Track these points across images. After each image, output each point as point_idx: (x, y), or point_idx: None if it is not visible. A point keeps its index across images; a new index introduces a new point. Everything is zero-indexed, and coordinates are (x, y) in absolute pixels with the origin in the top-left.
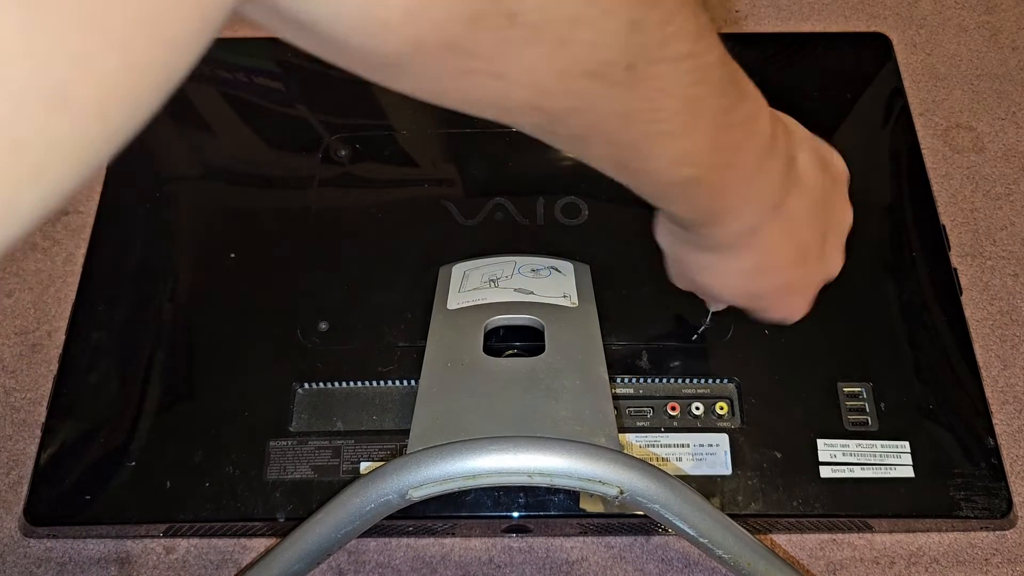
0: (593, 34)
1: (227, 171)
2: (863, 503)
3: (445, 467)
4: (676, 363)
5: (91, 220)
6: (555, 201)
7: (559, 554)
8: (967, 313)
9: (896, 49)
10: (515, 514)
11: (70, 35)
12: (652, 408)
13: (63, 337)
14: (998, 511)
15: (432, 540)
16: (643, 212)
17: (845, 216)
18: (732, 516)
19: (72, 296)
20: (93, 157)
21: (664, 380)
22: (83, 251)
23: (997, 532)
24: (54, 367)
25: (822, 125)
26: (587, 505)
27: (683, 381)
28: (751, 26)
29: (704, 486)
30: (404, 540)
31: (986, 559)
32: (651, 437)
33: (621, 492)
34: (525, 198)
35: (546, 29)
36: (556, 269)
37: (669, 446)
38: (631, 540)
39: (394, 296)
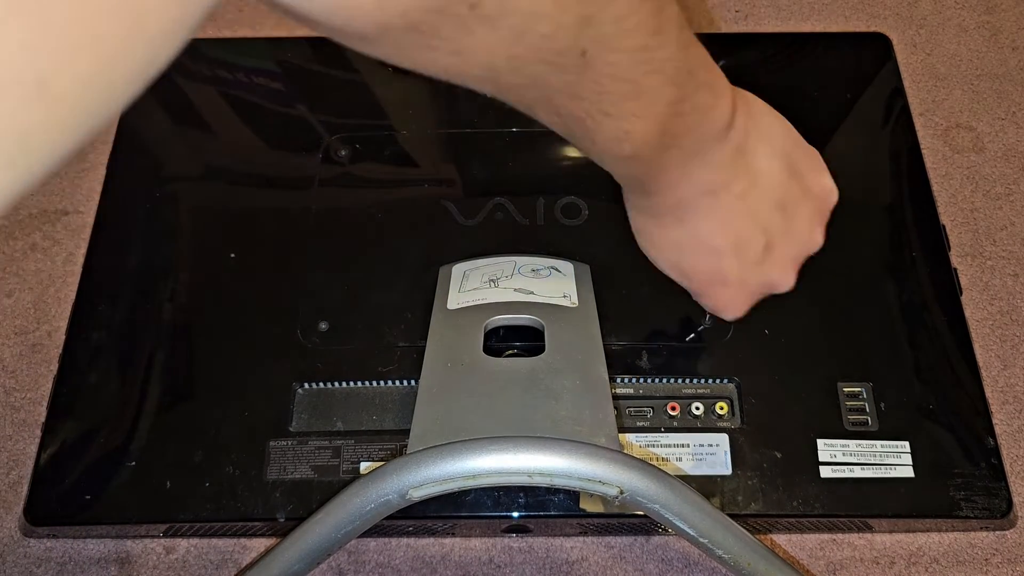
0: (549, 27)
1: (227, 171)
2: (863, 503)
3: (445, 467)
4: (676, 363)
5: (91, 220)
6: (555, 201)
7: (559, 554)
8: (967, 313)
9: (896, 49)
10: (515, 514)
11: (46, 26)
12: (652, 408)
13: (63, 337)
14: (998, 511)
15: (432, 540)
16: None
17: (809, 234)
18: (732, 516)
19: (72, 296)
20: (67, 145)
21: (664, 380)
22: (83, 251)
23: (997, 532)
24: (54, 367)
25: (822, 125)
26: (587, 505)
27: (683, 381)
28: (751, 26)
29: (704, 486)
30: (404, 540)
31: (986, 559)
32: (651, 437)
33: (621, 492)
34: (525, 198)
35: (504, 20)
36: (556, 269)
37: (669, 446)
38: (631, 540)
39: (394, 296)
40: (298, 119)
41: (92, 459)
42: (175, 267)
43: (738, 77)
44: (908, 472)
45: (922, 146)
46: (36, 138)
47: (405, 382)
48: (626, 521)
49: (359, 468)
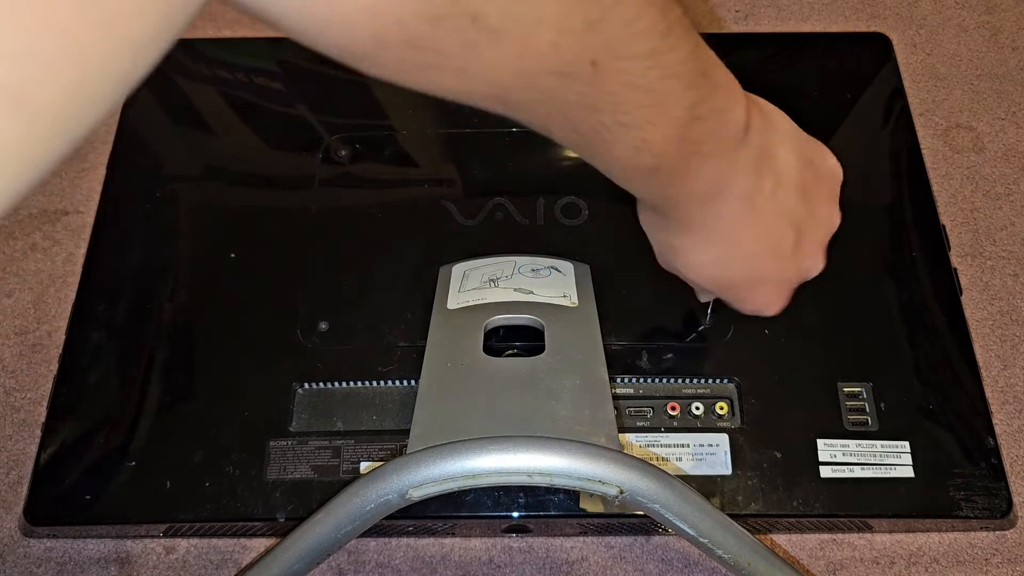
0: (555, 35)
1: (227, 171)
2: (863, 503)
3: (445, 467)
4: (676, 363)
5: (91, 220)
6: (555, 201)
7: (559, 554)
8: (967, 313)
9: (896, 49)
10: (515, 514)
11: (24, 38)
12: (652, 408)
13: (63, 337)
14: (998, 511)
15: (432, 540)
16: None
17: (829, 216)
18: (732, 516)
19: (72, 296)
20: (46, 159)
21: (664, 380)
22: (83, 251)
23: (997, 532)
24: (54, 367)
25: (822, 125)
26: (587, 505)
27: (683, 381)
28: (751, 26)
29: (704, 486)
30: (404, 540)
31: (986, 559)
32: (651, 437)
33: (621, 492)
34: (525, 198)
35: (509, 31)
36: (556, 269)
37: (669, 446)
38: (631, 540)
39: (394, 296)
40: (298, 119)
41: (92, 459)
42: (175, 267)
43: (738, 77)
44: (908, 472)
45: (922, 146)
46: (15, 153)
47: (405, 382)
48: (626, 521)
49: (359, 468)
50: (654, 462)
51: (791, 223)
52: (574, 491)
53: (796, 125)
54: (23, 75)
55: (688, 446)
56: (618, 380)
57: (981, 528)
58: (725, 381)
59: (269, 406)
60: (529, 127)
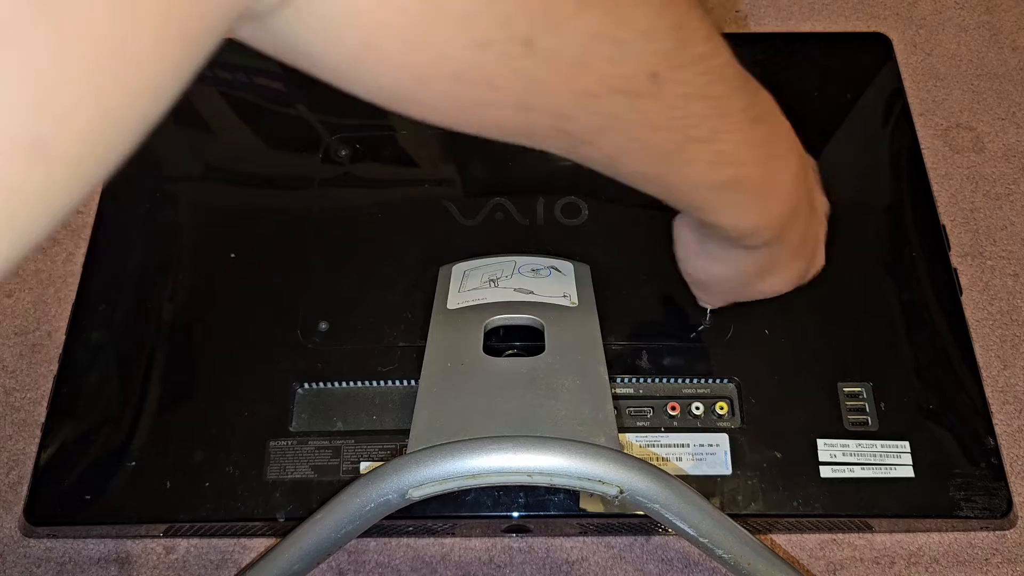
0: (611, 47)
1: (227, 171)
2: (863, 503)
3: (445, 467)
4: (676, 363)
5: (91, 220)
6: (555, 201)
7: (559, 554)
8: (967, 313)
9: (896, 49)
10: (515, 514)
11: (46, 87)
12: (652, 408)
13: (63, 337)
14: (998, 511)
15: (432, 540)
16: (643, 212)
17: (822, 207)
18: (732, 516)
19: (72, 296)
20: (67, 204)
21: (664, 380)
22: (83, 251)
23: (997, 532)
24: (54, 367)
25: (822, 125)
26: (587, 505)
27: (683, 381)
28: (751, 26)
29: (704, 486)
30: (404, 540)
31: (986, 559)
32: (651, 437)
33: (621, 492)
34: (525, 198)
35: (563, 51)
36: (556, 269)
37: (669, 446)
38: (631, 540)
39: (394, 296)
40: (298, 119)
41: (92, 459)
42: (175, 267)
43: None
44: (908, 472)
45: (922, 146)
46: (37, 199)
47: (405, 382)
48: (626, 521)
49: (359, 468)
50: (654, 462)
51: (815, 224)
52: (574, 491)
53: None
54: (44, 123)
55: (688, 446)
56: (618, 380)
57: (981, 528)
58: (725, 381)
59: (269, 406)
60: (599, 169)
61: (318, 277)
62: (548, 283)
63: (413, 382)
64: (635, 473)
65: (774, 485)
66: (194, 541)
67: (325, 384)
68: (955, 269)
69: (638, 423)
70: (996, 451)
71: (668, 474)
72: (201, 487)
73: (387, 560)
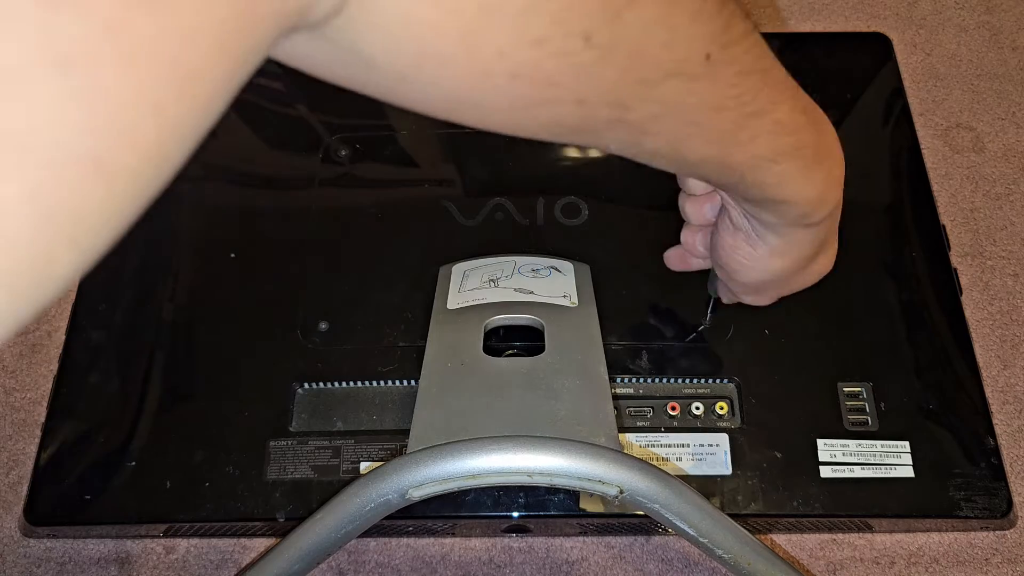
0: (665, 33)
1: (227, 171)
2: (863, 503)
3: (445, 467)
4: (676, 363)
5: None
6: (555, 201)
7: (559, 554)
8: (967, 313)
9: (896, 49)
10: (515, 514)
11: (107, 102)
12: (652, 408)
13: (63, 337)
14: (998, 511)
15: (432, 540)
16: (643, 212)
17: None
18: (732, 516)
19: (72, 296)
20: (125, 218)
21: (664, 380)
22: None
23: (997, 532)
24: (54, 367)
25: None
26: (587, 505)
27: (683, 381)
28: None
29: (704, 486)
30: (404, 540)
31: (986, 559)
32: (651, 437)
33: (621, 492)
34: (525, 198)
35: (622, 42)
36: (556, 269)
37: (669, 446)
38: (631, 540)
39: (394, 296)
40: (298, 119)
41: (92, 459)
42: (175, 267)
43: None
44: (908, 472)
45: (922, 146)
46: (98, 216)
47: (405, 382)
48: (626, 521)
49: (359, 468)
50: (654, 462)
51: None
52: (574, 491)
53: None
54: (105, 142)
55: (688, 446)
56: (618, 380)
57: (981, 528)
58: (725, 381)
59: (269, 406)
60: (664, 163)
61: (318, 277)
62: (548, 283)
63: (413, 382)
64: (635, 473)
65: (774, 485)
66: (194, 541)
67: (325, 384)
68: (955, 269)
69: (638, 423)
70: (996, 451)
71: (668, 474)
72: (201, 487)
73: (387, 560)
